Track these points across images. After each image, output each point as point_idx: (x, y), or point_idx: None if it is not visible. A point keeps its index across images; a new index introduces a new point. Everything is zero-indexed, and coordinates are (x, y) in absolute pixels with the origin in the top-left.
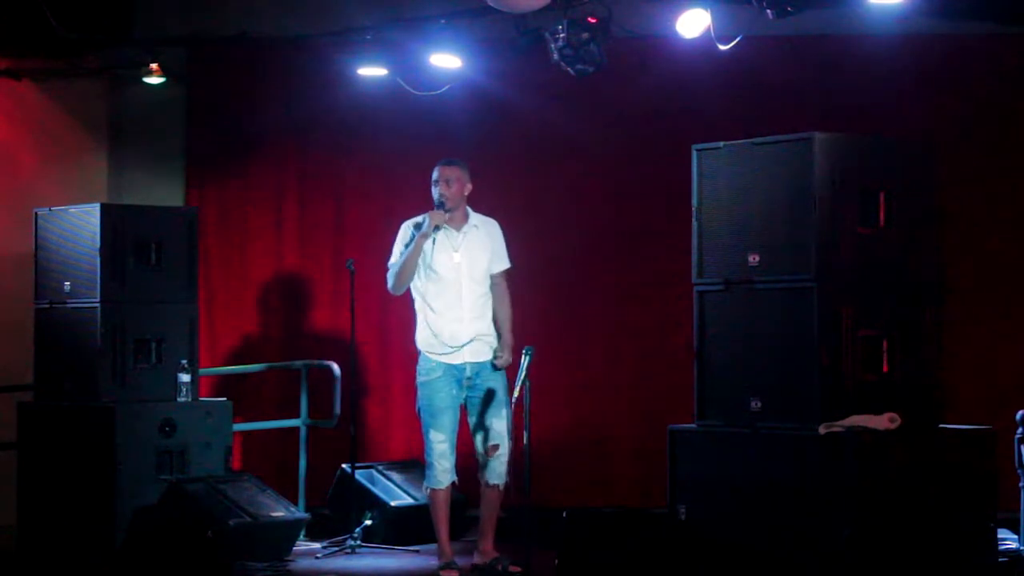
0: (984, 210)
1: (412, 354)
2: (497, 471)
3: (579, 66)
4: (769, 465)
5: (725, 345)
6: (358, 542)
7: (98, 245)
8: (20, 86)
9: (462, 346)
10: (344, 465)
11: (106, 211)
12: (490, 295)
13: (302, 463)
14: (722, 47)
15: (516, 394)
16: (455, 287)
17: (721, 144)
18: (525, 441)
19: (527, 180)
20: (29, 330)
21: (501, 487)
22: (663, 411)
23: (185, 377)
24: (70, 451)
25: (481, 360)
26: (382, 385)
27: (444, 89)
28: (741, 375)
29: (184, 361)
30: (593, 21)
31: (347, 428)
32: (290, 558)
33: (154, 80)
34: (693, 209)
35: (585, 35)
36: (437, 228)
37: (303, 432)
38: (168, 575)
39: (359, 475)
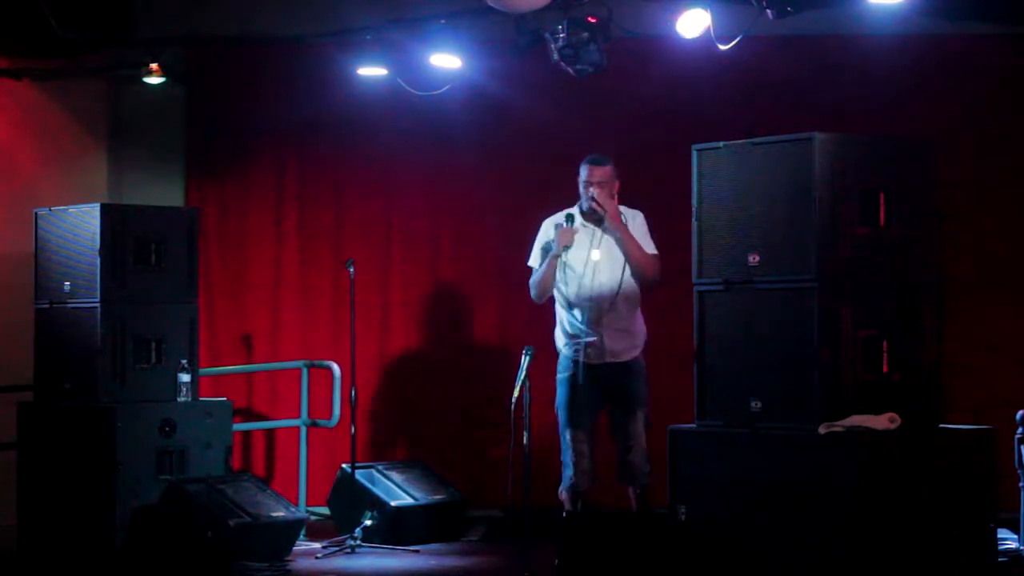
0: (984, 210)
1: (412, 354)
2: (644, 470)
3: (579, 66)
4: (769, 465)
5: (725, 345)
6: (358, 542)
7: (98, 245)
8: (20, 86)
9: (602, 346)
10: (344, 465)
11: (106, 211)
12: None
13: (302, 463)
14: (722, 47)
15: (516, 394)
16: (596, 286)
17: (721, 144)
18: (525, 441)
19: (527, 180)
20: (29, 330)
21: (637, 487)
22: (663, 411)
23: (185, 377)
24: (70, 451)
25: (619, 360)
26: (382, 385)
27: (444, 89)
28: (741, 375)
29: (184, 361)
30: (593, 21)
31: (347, 428)
32: (290, 558)
33: (154, 80)
34: (693, 209)
35: (585, 35)
36: (566, 249)
37: (303, 432)
38: (168, 575)
39: (359, 475)
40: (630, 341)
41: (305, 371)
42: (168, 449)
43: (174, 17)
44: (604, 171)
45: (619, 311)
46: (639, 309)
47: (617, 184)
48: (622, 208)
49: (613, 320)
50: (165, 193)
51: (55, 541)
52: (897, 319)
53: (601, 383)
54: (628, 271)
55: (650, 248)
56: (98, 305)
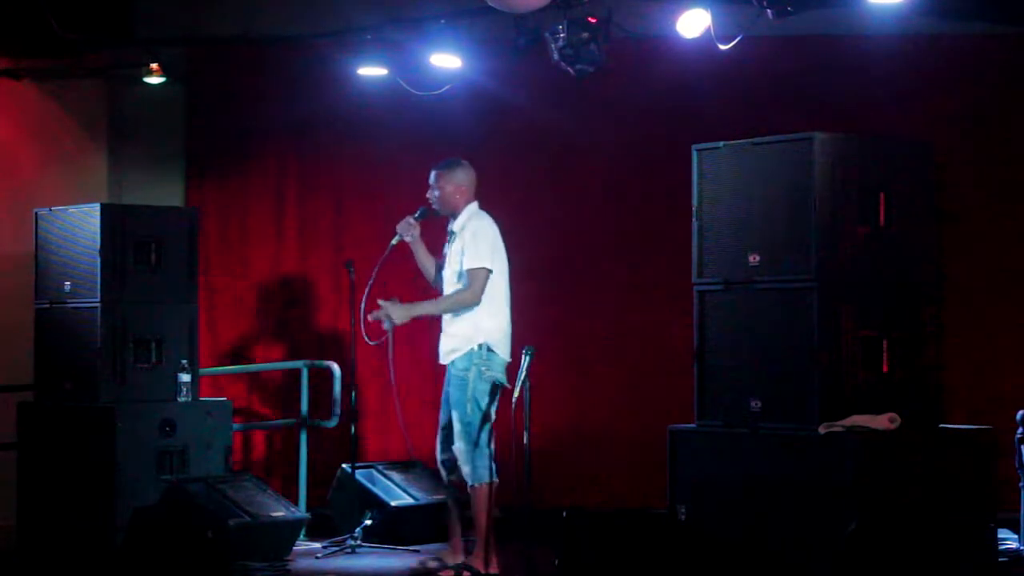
0: (984, 210)
1: (411, 353)
2: (463, 471)
3: (579, 66)
4: (769, 465)
5: (725, 345)
6: (358, 542)
7: (98, 245)
8: (20, 86)
9: (441, 347)
10: (344, 465)
11: (106, 211)
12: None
13: (302, 463)
14: (722, 47)
15: (516, 394)
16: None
17: (721, 144)
18: (525, 441)
19: (527, 180)
20: (29, 330)
21: (469, 487)
22: (663, 411)
23: (185, 377)
24: (70, 451)
25: (446, 362)
26: (382, 385)
27: (444, 89)
28: (741, 375)
29: (184, 361)
30: (593, 21)
31: (347, 428)
32: (290, 558)
33: (154, 80)
34: (693, 209)
35: (585, 35)
36: (398, 237)
37: (303, 432)
38: (168, 575)
39: (359, 475)
40: (450, 344)
41: (305, 371)
42: (168, 449)
43: (174, 17)
44: (432, 175)
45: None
46: (470, 311)
47: (453, 188)
48: (465, 219)
49: (445, 322)
50: (165, 193)
51: (55, 541)
52: (897, 319)
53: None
54: (453, 277)
55: (473, 262)
56: (98, 305)
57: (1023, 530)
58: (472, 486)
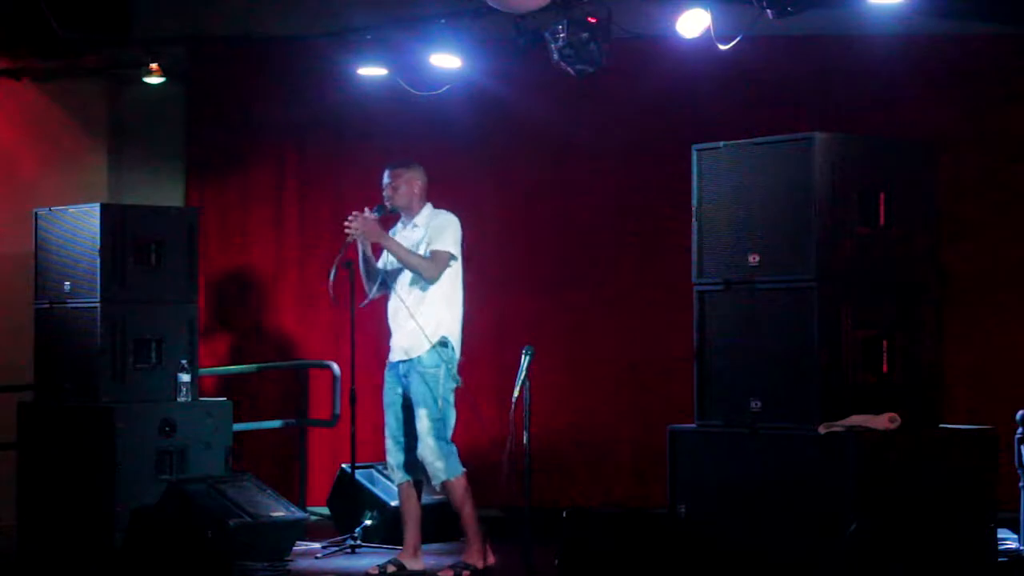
0: (984, 210)
1: None
2: (436, 467)
3: (579, 66)
4: (769, 465)
5: (725, 345)
6: (358, 542)
7: (98, 245)
8: (20, 86)
9: (398, 342)
10: (344, 465)
11: (106, 211)
12: (426, 293)
13: (302, 463)
14: (722, 47)
15: (516, 394)
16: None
17: (721, 144)
18: (525, 441)
19: (527, 180)
20: (29, 330)
21: (442, 483)
22: (663, 411)
23: (185, 377)
24: (70, 451)
25: (410, 357)
26: (382, 385)
27: (444, 89)
28: (741, 375)
29: (184, 361)
30: (593, 21)
31: (347, 428)
32: (290, 558)
33: (154, 80)
34: (693, 209)
35: (585, 35)
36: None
37: (303, 432)
38: (168, 575)
39: (359, 475)
40: (410, 339)
41: (305, 371)
42: (168, 449)
43: (174, 17)
44: (389, 174)
45: (406, 307)
46: (433, 304)
47: (410, 187)
48: (426, 215)
49: (402, 318)
50: (165, 193)
51: (55, 541)
52: (897, 319)
53: (400, 380)
54: (410, 274)
55: (439, 245)
56: (98, 305)
57: (1023, 530)
58: (448, 481)
